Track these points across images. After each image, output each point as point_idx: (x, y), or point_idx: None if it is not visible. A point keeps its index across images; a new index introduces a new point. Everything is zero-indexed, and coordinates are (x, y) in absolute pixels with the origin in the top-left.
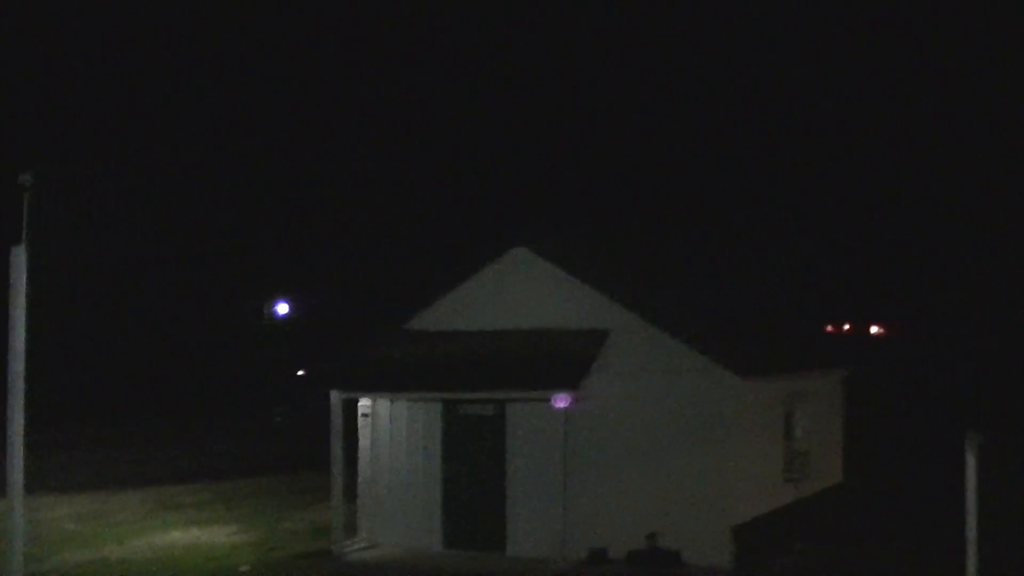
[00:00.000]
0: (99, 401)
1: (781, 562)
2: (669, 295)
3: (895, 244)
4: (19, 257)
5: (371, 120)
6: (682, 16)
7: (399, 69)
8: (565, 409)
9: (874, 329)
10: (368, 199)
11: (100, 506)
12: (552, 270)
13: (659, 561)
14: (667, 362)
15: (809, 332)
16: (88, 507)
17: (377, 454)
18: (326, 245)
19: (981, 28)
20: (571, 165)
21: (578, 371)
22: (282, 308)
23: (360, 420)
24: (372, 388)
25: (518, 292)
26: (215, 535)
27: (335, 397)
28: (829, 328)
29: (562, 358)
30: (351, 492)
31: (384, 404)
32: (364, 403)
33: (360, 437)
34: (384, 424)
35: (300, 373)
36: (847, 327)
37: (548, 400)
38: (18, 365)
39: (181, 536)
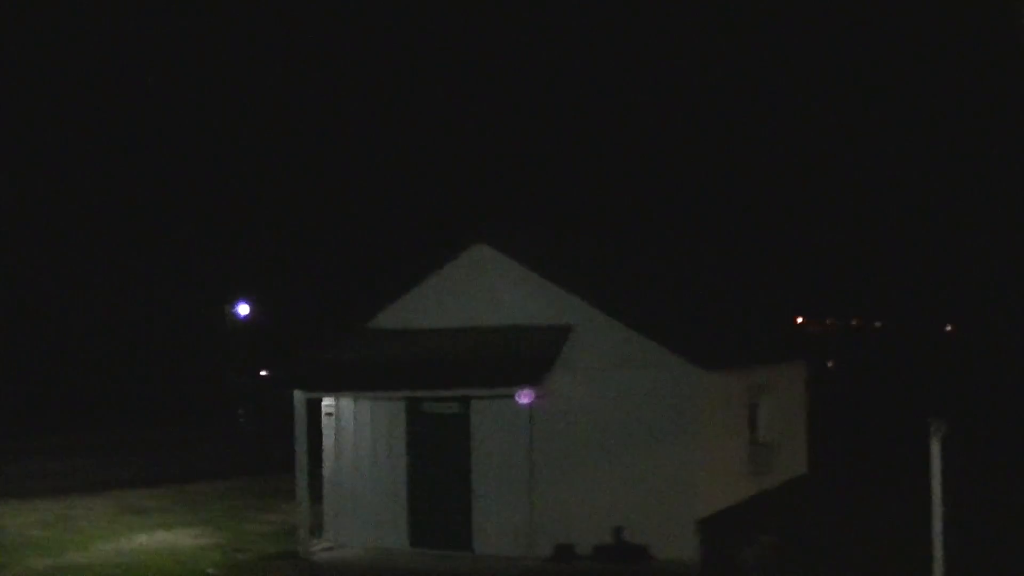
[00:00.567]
0: (62, 407)
1: (746, 554)
2: (632, 290)
3: (861, 238)
4: None
5: (332, 120)
6: (645, 8)
7: (360, 68)
8: (529, 405)
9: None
10: (329, 198)
11: (64, 512)
12: (514, 267)
13: (626, 555)
14: (631, 357)
15: (773, 325)
16: (52, 513)
17: (341, 454)
18: (287, 245)
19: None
20: (533, 161)
21: (542, 367)
22: (243, 309)
23: (324, 420)
24: (335, 388)
25: (481, 289)
26: (180, 538)
27: (298, 397)
28: (800, 320)
29: (525, 355)
30: (316, 493)
31: (348, 404)
32: (328, 403)
33: (324, 437)
34: (348, 424)
35: (263, 374)
36: (828, 321)
37: (512, 397)
38: None
39: (146, 540)
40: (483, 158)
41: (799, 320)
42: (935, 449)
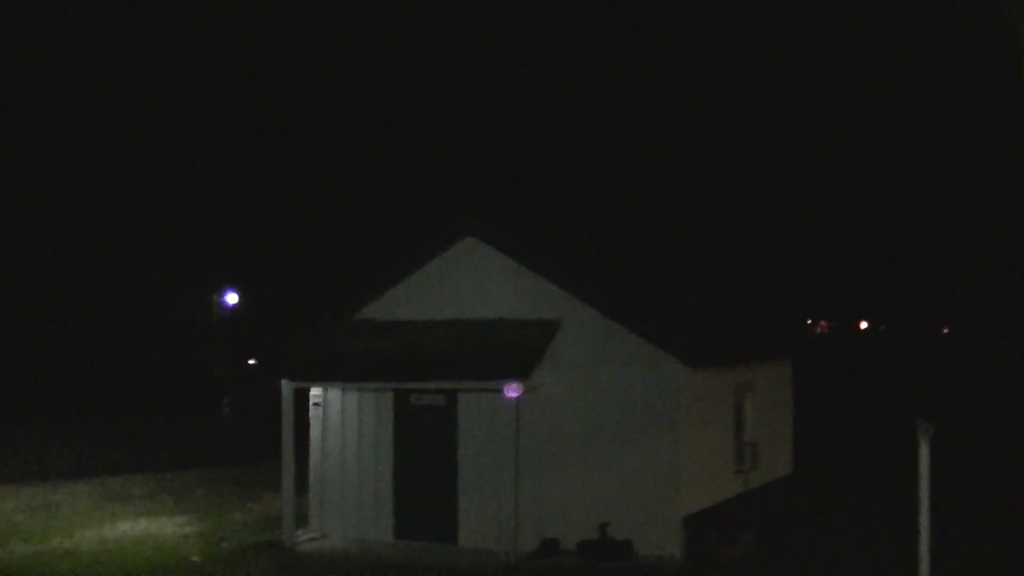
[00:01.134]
0: (47, 394)
1: (730, 553)
2: (620, 286)
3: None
4: None
5: (321, 110)
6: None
7: (351, 58)
8: (516, 399)
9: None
10: (318, 189)
11: (48, 498)
12: (503, 260)
13: (610, 551)
14: (618, 352)
15: (760, 323)
16: (36, 499)
17: (328, 445)
18: (275, 235)
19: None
20: (524, 155)
21: (529, 362)
22: (231, 298)
23: (311, 410)
24: (323, 378)
25: (469, 282)
26: (164, 526)
27: (286, 387)
28: (808, 321)
29: (513, 348)
30: (301, 483)
31: (335, 394)
32: (315, 393)
33: (311, 428)
34: (335, 414)
35: (251, 363)
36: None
37: (499, 390)
38: None
39: (130, 528)
40: (473, 151)
41: (808, 321)
42: (922, 449)
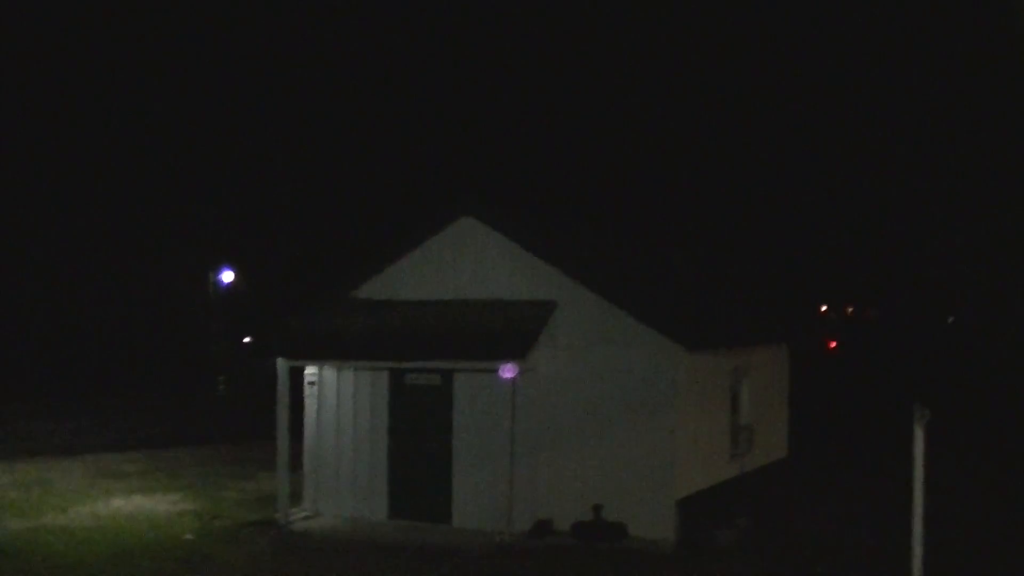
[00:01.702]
0: (42, 371)
1: (724, 536)
2: (618, 268)
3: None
4: None
5: (318, 90)
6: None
7: (348, 40)
8: (512, 380)
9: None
10: (315, 167)
11: (42, 474)
12: (501, 240)
13: (604, 533)
14: (615, 334)
15: (756, 306)
16: (29, 475)
17: (323, 423)
18: (272, 213)
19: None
20: (524, 137)
21: (525, 343)
22: (227, 276)
23: (306, 389)
24: (318, 356)
25: (466, 262)
26: (158, 504)
27: (281, 365)
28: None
29: (510, 329)
30: (295, 461)
31: (331, 373)
32: (311, 372)
33: (306, 406)
34: (330, 393)
35: (246, 340)
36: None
37: (495, 371)
38: None
39: (124, 504)
40: (473, 132)
41: (823, 308)
42: (917, 434)
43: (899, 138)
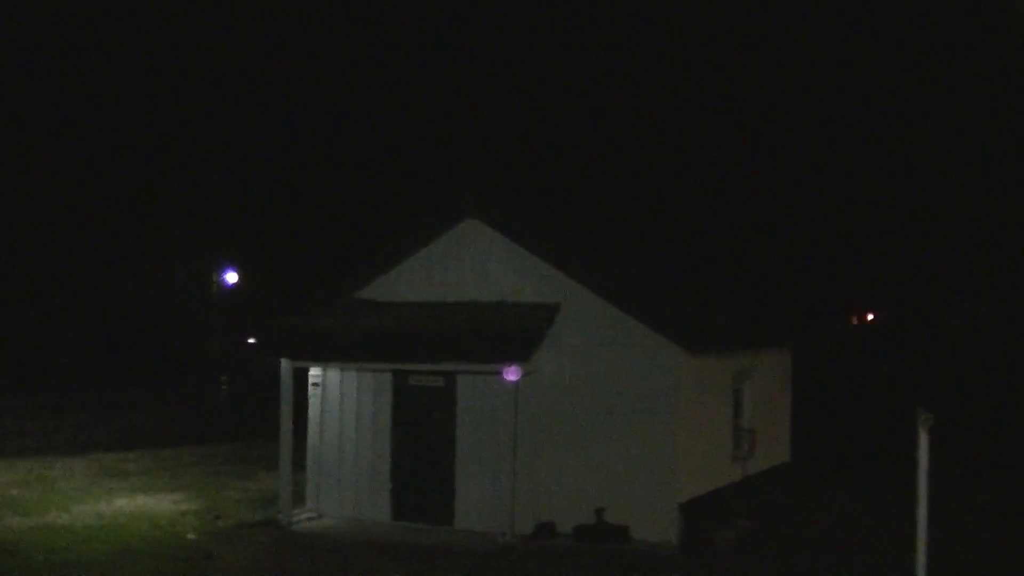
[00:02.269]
0: (45, 369)
1: (726, 539)
2: (621, 271)
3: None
4: None
5: (321, 89)
6: None
7: (352, 39)
8: (516, 382)
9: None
10: (320, 167)
11: (44, 472)
12: (505, 242)
13: (606, 536)
14: (618, 336)
15: (759, 310)
16: (32, 473)
17: (326, 424)
18: (276, 214)
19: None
20: (529, 139)
21: (529, 344)
22: (231, 277)
23: (310, 389)
24: (322, 357)
25: (470, 264)
26: (161, 503)
27: (285, 366)
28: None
29: (513, 331)
30: (298, 462)
31: (334, 374)
32: (314, 373)
33: (310, 407)
34: (334, 394)
35: (250, 341)
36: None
37: (498, 373)
38: None
39: (126, 503)
40: (476, 132)
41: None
42: (921, 439)
43: (902, 137)
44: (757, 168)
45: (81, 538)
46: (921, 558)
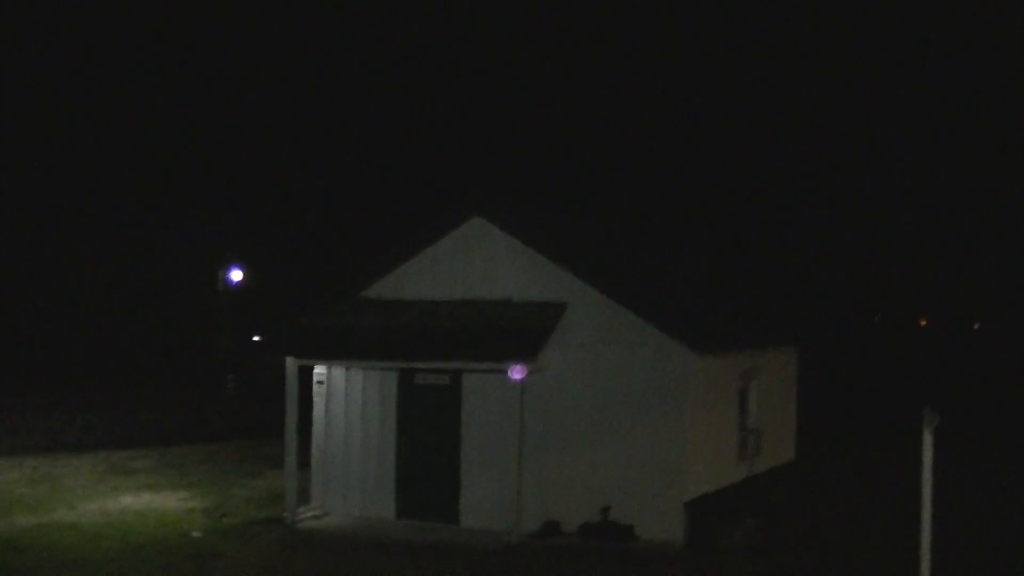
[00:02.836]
0: (52, 367)
1: (731, 538)
2: (627, 270)
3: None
4: None
5: (328, 88)
6: None
7: (358, 37)
8: (522, 381)
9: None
10: (327, 166)
11: (51, 470)
12: (511, 241)
13: (612, 535)
14: (624, 335)
15: (766, 309)
16: (39, 471)
17: (331, 422)
18: (282, 212)
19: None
20: (536, 138)
21: (535, 343)
22: (236, 275)
23: (315, 387)
24: (328, 355)
25: (476, 262)
26: (167, 501)
27: (291, 364)
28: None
29: (519, 329)
30: (304, 460)
31: (340, 372)
32: (319, 371)
33: (315, 405)
34: (339, 392)
35: (256, 339)
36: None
37: (504, 371)
38: None
39: (133, 501)
40: (483, 131)
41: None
42: (926, 438)
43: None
44: (766, 168)
45: (88, 536)
46: (926, 556)
